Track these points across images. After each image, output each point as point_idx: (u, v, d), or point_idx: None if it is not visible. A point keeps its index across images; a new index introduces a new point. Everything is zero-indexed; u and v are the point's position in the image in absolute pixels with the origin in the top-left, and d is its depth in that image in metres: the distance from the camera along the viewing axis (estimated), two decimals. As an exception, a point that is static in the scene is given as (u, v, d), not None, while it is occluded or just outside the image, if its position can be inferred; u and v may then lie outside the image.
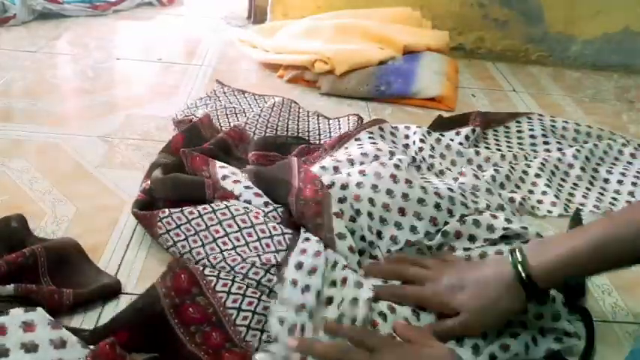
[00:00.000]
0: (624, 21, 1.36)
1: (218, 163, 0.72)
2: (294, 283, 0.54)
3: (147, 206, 0.66)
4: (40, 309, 0.48)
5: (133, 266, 0.61)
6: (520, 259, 0.50)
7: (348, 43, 1.16)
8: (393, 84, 1.08)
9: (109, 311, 0.54)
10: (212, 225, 0.62)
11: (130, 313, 0.51)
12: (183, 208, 0.63)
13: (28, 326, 0.46)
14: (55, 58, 1.16)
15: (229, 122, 0.91)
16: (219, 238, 0.61)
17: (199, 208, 0.63)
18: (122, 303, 0.55)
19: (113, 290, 0.57)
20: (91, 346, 0.46)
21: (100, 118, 0.92)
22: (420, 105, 1.08)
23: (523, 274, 0.49)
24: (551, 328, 0.54)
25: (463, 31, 1.39)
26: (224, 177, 0.70)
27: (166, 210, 0.63)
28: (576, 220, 0.73)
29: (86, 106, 0.96)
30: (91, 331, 0.50)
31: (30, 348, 0.44)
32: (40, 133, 0.85)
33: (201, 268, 0.56)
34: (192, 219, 0.62)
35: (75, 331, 0.48)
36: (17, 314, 0.46)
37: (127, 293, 0.57)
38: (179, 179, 0.69)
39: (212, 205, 0.64)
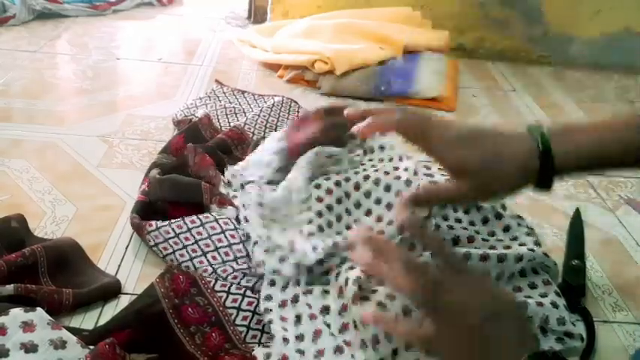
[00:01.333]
0: (625, 21, 1.36)
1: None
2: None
3: (146, 208, 0.66)
4: (39, 309, 0.48)
5: (132, 266, 0.61)
6: (544, 132, 0.46)
7: (348, 43, 1.15)
8: (393, 84, 1.08)
9: (109, 311, 0.54)
10: (201, 239, 0.61)
11: (130, 313, 0.51)
12: (171, 221, 0.62)
13: (27, 326, 0.46)
14: (55, 58, 1.16)
15: (229, 122, 0.91)
16: (208, 252, 0.60)
17: (187, 221, 0.62)
18: (122, 303, 0.55)
19: (113, 290, 0.57)
20: (91, 347, 0.46)
21: (99, 118, 0.92)
22: (421, 105, 1.08)
23: (541, 147, 0.45)
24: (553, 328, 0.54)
25: (463, 31, 1.39)
26: (229, 182, 0.70)
27: (153, 223, 0.62)
28: (577, 220, 0.73)
29: (86, 105, 0.96)
30: (90, 331, 0.50)
31: (30, 348, 0.44)
32: (39, 133, 0.85)
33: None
34: (180, 233, 0.61)
35: (75, 331, 0.48)
36: (17, 314, 0.46)
37: (127, 293, 0.57)
38: (176, 181, 0.69)
39: (201, 217, 0.63)
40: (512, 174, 0.46)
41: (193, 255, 0.60)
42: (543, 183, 0.47)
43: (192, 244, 0.61)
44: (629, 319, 0.61)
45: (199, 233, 0.61)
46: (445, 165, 0.48)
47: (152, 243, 0.61)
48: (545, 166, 0.45)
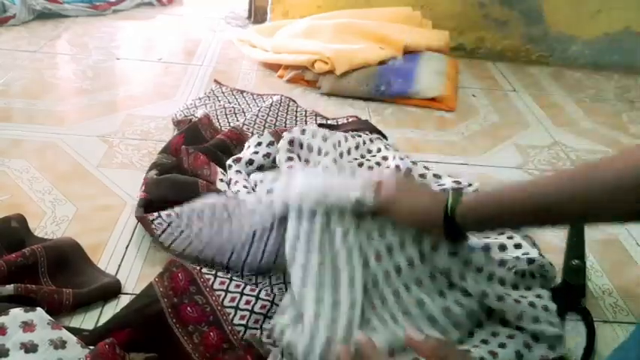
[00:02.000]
0: (625, 21, 1.36)
1: (219, 169, 0.73)
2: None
3: (148, 205, 0.66)
4: (39, 309, 0.48)
5: (132, 266, 0.61)
6: (454, 196, 0.50)
7: (348, 42, 1.15)
8: (393, 84, 1.08)
9: (109, 311, 0.54)
10: (203, 216, 0.61)
11: (129, 313, 0.51)
12: (173, 208, 0.63)
13: (27, 326, 0.46)
14: (55, 58, 1.16)
15: (229, 122, 0.91)
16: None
17: (187, 205, 0.63)
18: (122, 303, 0.55)
19: (113, 290, 0.57)
20: (91, 347, 0.46)
21: (99, 118, 0.92)
22: (421, 105, 1.08)
23: (449, 204, 0.50)
24: (544, 335, 0.53)
25: (463, 31, 1.38)
26: (222, 179, 0.71)
27: (155, 213, 0.63)
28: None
29: (86, 106, 0.96)
30: (90, 331, 0.50)
31: (30, 348, 0.44)
32: (39, 133, 0.85)
33: (198, 267, 0.56)
34: (182, 213, 0.62)
35: (75, 331, 0.48)
36: (17, 314, 0.46)
37: (126, 293, 0.57)
38: (174, 180, 0.69)
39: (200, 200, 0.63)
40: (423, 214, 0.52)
41: (197, 232, 0.60)
42: (453, 235, 0.51)
43: (195, 221, 0.61)
44: (629, 319, 0.61)
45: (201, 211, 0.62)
46: None
47: (158, 232, 0.61)
48: (448, 220, 0.50)
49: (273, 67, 1.18)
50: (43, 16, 1.36)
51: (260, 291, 0.55)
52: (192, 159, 0.73)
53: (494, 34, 1.39)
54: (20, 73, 1.06)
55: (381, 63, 1.13)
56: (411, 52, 1.18)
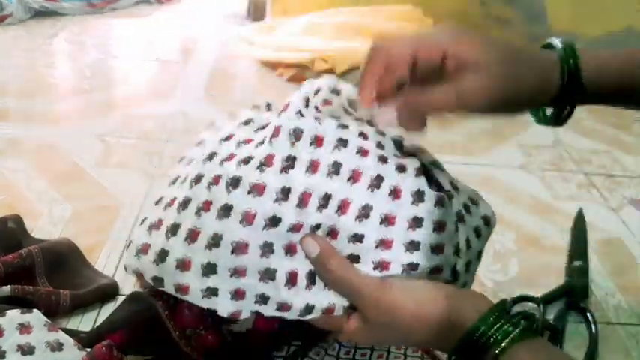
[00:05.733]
0: (627, 20, 1.35)
1: None
2: None
3: None
4: (36, 311, 0.47)
5: (130, 267, 0.60)
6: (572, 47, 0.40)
7: (348, 41, 1.15)
8: (393, 83, 1.07)
9: (107, 313, 0.53)
10: None
11: (126, 314, 0.51)
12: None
13: (24, 328, 0.45)
14: (52, 57, 1.15)
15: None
16: None
17: None
18: (120, 305, 0.55)
19: (111, 292, 0.56)
20: (88, 349, 0.46)
21: (97, 117, 0.91)
22: (421, 104, 1.07)
23: (570, 61, 0.39)
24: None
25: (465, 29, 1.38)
26: None
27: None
28: (579, 221, 0.73)
29: (83, 105, 0.95)
30: (87, 333, 0.50)
31: (26, 350, 0.44)
32: (36, 133, 0.84)
33: None
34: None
35: (72, 333, 0.48)
36: (14, 316, 0.46)
37: (124, 295, 0.56)
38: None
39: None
40: (532, 77, 0.39)
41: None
42: (564, 101, 0.40)
43: None
44: (632, 320, 0.60)
45: None
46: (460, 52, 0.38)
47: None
48: (570, 77, 0.39)
49: (273, 65, 1.18)
50: (41, 14, 1.36)
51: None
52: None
53: (495, 33, 1.38)
54: (17, 71, 1.05)
55: (382, 61, 1.12)
56: (411, 51, 1.18)
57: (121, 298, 0.56)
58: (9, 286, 0.51)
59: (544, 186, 0.85)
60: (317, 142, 0.38)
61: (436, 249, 0.38)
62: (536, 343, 0.33)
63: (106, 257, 0.61)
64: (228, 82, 1.08)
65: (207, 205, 0.37)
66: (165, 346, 0.50)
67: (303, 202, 0.36)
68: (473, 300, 0.35)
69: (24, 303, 0.50)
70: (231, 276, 0.37)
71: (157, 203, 0.43)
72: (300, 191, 0.37)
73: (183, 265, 0.37)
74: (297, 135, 0.38)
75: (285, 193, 0.36)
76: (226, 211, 0.36)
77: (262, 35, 1.23)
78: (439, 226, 0.38)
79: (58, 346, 0.45)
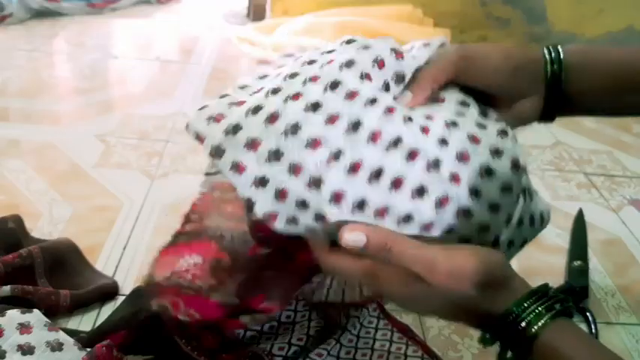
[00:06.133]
0: (628, 20, 1.35)
1: None
2: None
3: None
4: (36, 310, 0.47)
5: (130, 267, 0.60)
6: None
7: (348, 41, 1.15)
8: (393, 83, 1.07)
9: (107, 313, 0.54)
10: None
11: (127, 314, 0.51)
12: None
13: (24, 328, 0.45)
14: (52, 57, 1.15)
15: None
16: None
17: None
18: (120, 305, 0.55)
19: (111, 291, 0.56)
20: (88, 349, 0.46)
21: (96, 117, 0.91)
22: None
23: (552, 54, 0.42)
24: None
25: (465, 29, 1.38)
26: None
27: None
28: (579, 221, 0.73)
29: (83, 105, 0.95)
30: (87, 333, 0.50)
31: (26, 350, 0.44)
32: (36, 133, 0.84)
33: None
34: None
35: (72, 333, 0.48)
36: (14, 316, 0.46)
37: (124, 295, 0.56)
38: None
39: None
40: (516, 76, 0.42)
41: None
42: (552, 102, 0.42)
43: None
44: (632, 320, 0.60)
45: None
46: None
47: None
48: (554, 74, 0.41)
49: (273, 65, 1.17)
50: (41, 14, 1.35)
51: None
52: None
53: (496, 33, 1.38)
54: (17, 72, 1.05)
55: (382, 61, 1.12)
56: (411, 51, 1.18)
57: (120, 298, 0.56)
58: (9, 286, 0.51)
59: (544, 186, 0.85)
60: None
61: (494, 207, 0.37)
62: (569, 326, 0.33)
63: (106, 257, 0.61)
64: (228, 82, 1.08)
65: (296, 97, 0.37)
66: (165, 346, 0.50)
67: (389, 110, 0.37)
68: (519, 279, 0.36)
69: (24, 303, 0.50)
70: (288, 171, 0.35)
71: (241, 88, 0.42)
72: (387, 105, 0.37)
73: (252, 144, 0.36)
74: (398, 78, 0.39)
75: (372, 102, 0.37)
76: (315, 107, 0.36)
77: (263, 35, 1.23)
78: (505, 188, 0.37)
79: (58, 346, 0.45)
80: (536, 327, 0.32)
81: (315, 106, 0.36)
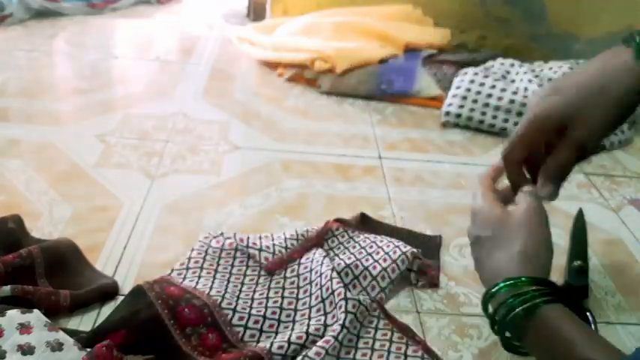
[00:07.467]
0: (628, 19, 1.35)
1: None
2: None
3: None
4: (36, 311, 0.47)
5: (130, 267, 0.60)
6: None
7: (348, 41, 1.15)
8: (394, 82, 1.07)
9: (107, 313, 0.53)
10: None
11: (126, 314, 0.51)
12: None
13: (24, 328, 0.45)
14: (52, 57, 1.15)
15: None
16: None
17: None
18: (120, 305, 0.54)
19: (111, 291, 0.56)
20: (88, 349, 0.46)
21: (97, 117, 0.91)
22: (422, 104, 1.07)
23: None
24: None
25: (465, 29, 1.38)
26: None
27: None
28: (579, 221, 0.73)
29: (83, 105, 0.95)
30: (87, 333, 0.50)
31: (26, 350, 0.44)
32: (36, 133, 0.84)
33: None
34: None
35: (72, 333, 0.48)
36: (14, 316, 0.46)
37: (124, 295, 0.56)
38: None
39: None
40: (615, 89, 0.42)
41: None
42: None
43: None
44: (632, 320, 0.60)
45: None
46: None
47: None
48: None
49: (273, 65, 1.17)
50: (41, 14, 1.35)
51: (255, 292, 0.54)
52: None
53: (496, 33, 1.38)
54: (17, 72, 1.05)
55: (382, 61, 1.12)
56: (412, 51, 1.18)
57: (120, 298, 0.55)
58: (9, 286, 0.51)
59: (544, 186, 0.85)
60: None
61: None
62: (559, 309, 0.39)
63: (106, 257, 0.61)
64: (228, 82, 1.08)
65: None
66: (166, 345, 0.50)
67: None
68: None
69: (24, 303, 0.50)
70: None
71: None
72: None
73: None
74: None
75: None
76: None
77: (262, 35, 1.23)
78: None
79: (58, 346, 0.45)
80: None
81: None
